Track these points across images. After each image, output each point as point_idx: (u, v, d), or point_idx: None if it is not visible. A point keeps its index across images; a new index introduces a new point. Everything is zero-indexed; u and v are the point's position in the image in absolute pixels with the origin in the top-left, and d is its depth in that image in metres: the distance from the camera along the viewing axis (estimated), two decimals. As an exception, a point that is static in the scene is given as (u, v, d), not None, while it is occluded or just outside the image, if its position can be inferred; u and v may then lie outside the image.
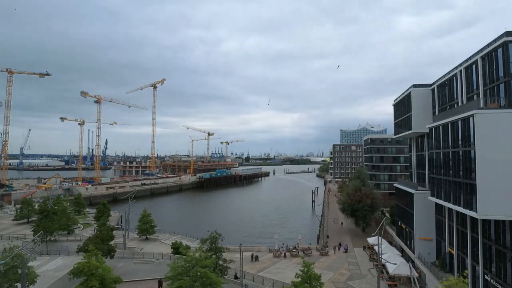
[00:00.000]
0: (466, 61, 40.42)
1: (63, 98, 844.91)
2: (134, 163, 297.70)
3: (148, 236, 71.53)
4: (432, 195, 43.49)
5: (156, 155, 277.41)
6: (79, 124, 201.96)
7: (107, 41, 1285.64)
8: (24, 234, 68.82)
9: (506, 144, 29.79)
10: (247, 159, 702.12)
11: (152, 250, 60.87)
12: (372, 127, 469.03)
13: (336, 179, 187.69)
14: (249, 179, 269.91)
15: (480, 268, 33.43)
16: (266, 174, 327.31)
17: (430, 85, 53.15)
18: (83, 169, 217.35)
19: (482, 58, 36.39)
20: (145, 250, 61.27)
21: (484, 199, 30.16)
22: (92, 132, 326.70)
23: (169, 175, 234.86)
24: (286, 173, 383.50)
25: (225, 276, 40.80)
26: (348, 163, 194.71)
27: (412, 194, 50.74)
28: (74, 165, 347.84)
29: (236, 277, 43.91)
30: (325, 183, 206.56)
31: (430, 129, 44.36)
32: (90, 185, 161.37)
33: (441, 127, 40.40)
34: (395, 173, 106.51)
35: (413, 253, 50.36)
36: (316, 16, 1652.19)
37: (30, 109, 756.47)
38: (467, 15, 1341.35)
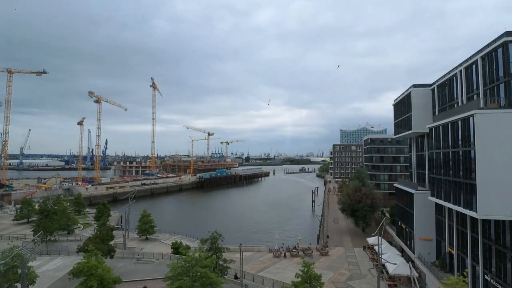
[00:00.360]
0: (466, 61, 40.41)
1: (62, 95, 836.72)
2: (134, 163, 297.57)
3: (148, 236, 71.52)
4: (432, 195, 43.47)
5: (156, 155, 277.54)
6: (78, 124, 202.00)
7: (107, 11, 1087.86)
8: (24, 234, 68.81)
9: (506, 144, 29.78)
10: (247, 159, 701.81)
11: (152, 250, 60.84)
12: (372, 127, 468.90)
13: (336, 179, 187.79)
14: (249, 179, 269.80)
15: (480, 268, 33.42)
16: (266, 174, 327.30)
17: (430, 85, 53.15)
18: (83, 169, 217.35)
19: (482, 58, 36.37)
20: (145, 250, 61.25)
21: (484, 199, 30.14)
22: (90, 132, 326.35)
23: (169, 175, 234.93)
24: (286, 173, 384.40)
25: (225, 276, 40.79)
26: (348, 163, 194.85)
27: (412, 194, 50.72)
28: (74, 165, 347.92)
29: (236, 277, 43.91)
30: (325, 183, 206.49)
31: (430, 129, 44.35)
32: (90, 185, 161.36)
33: (441, 127, 40.39)
34: (395, 173, 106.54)
35: (413, 253, 50.35)
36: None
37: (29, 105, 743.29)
38: None
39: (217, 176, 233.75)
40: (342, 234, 75.48)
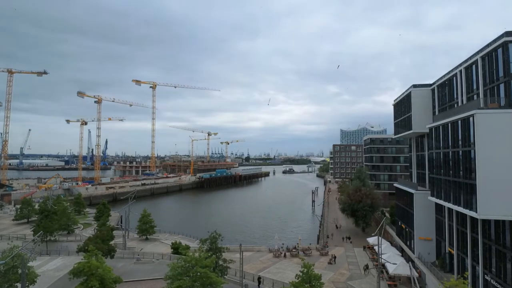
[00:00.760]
0: (466, 61, 40.41)
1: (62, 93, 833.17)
2: (134, 163, 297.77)
3: (148, 236, 71.52)
4: (432, 195, 43.47)
5: (156, 155, 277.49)
6: (80, 123, 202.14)
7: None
8: (24, 234, 68.78)
9: (506, 144, 29.76)
10: (247, 159, 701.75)
11: (152, 250, 60.84)
12: (372, 127, 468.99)
13: (336, 179, 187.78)
14: (249, 179, 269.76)
15: (480, 268, 33.41)
16: (266, 174, 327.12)
17: (430, 85, 53.16)
18: (83, 169, 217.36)
19: (482, 58, 36.36)
20: (145, 250, 61.24)
21: (484, 199, 30.13)
22: (90, 131, 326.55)
23: (169, 175, 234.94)
24: (285, 172, 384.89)
25: (225, 276, 40.79)
26: (348, 163, 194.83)
27: (412, 194, 50.72)
28: (74, 165, 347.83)
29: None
30: (325, 183, 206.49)
31: (430, 129, 44.35)
32: (90, 185, 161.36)
33: (441, 127, 40.38)
34: (395, 173, 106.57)
35: (413, 253, 50.34)
36: None
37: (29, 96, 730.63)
38: None
39: (217, 176, 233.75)
40: (342, 234, 75.46)
